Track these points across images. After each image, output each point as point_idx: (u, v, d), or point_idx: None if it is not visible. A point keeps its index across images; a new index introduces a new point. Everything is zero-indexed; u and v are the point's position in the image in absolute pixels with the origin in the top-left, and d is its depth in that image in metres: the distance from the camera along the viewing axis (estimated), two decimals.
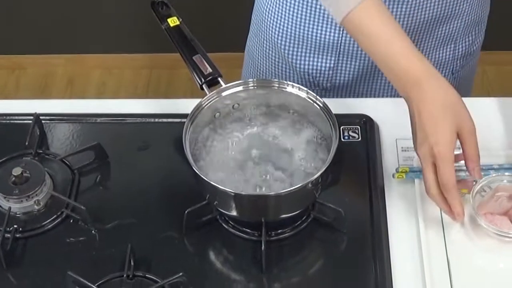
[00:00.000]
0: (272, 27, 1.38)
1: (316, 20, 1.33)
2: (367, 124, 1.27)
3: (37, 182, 1.16)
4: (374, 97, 1.41)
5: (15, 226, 1.15)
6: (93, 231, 1.15)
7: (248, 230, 1.14)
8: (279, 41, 1.38)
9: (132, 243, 1.10)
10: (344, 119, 1.25)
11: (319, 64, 1.38)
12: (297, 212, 1.11)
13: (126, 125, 1.31)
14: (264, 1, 1.39)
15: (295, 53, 1.38)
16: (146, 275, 1.08)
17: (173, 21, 1.20)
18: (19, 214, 1.16)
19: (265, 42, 1.41)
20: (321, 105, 1.13)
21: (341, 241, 1.13)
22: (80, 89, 2.83)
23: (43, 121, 1.29)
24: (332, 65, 1.37)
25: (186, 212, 1.12)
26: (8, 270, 1.11)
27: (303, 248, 1.14)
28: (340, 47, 1.35)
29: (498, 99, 1.33)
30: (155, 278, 1.08)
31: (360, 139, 1.25)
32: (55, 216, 1.16)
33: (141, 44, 2.85)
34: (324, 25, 1.33)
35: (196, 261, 1.12)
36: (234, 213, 1.10)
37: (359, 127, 1.26)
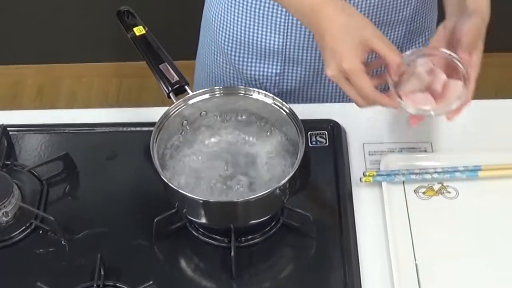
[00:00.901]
0: (219, 34, 1.39)
1: (260, 26, 1.33)
2: (334, 129, 1.28)
3: (5, 194, 1.16)
4: (321, 102, 1.42)
5: None
6: (62, 242, 1.15)
7: (218, 237, 1.14)
8: (226, 47, 1.39)
9: (102, 252, 1.10)
10: (311, 125, 1.26)
11: (265, 70, 1.39)
12: (266, 218, 1.12)
13: (95, 135, 1.30)
14: (211, 8, 1.40)
15: (241, 59, 1.39)
16: (117, 284, 1.08)
17: (139, 30, 1.21)
18: None
19: (213, 48, 1.42)
20: (287, 111, 1.14)
21: (310, 246, 1.14)
22: (50, 99, 2.81)
23: (10, 132, 1.28)
24: (278, 71, 1.38)
25: (155, 220, 1.12)
26: None
27: (272, 254, 1.14)
28: (285, 53, 1.36)
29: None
30: (125, 287, 1.08)
31: (327, 144, 1.26)
32: (24, 227, 1.16)
33: (110, 53, 2.84)
34: (268, 32, 1.33)
35: (166, 269, 1.13)
36: (203, 220, 1.11)
37: (326, 132, 1.27)
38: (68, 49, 2.83)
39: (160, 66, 1.17)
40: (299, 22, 1.31)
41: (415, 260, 1.11)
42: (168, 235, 1.15)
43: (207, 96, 1.16)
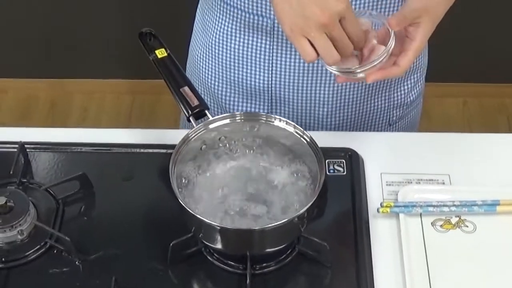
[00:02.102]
0: (205, 72, 1.39)
1: (245, 65, 1.33)
2: (352, 158, 1.27)
3: (21, 212, 1.16)
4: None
5: None
6: (77, 262, 1.14)
7: (233, 263, 1.13)
8: (212, 86, 1.39)
9: (116, 275, 1.10)
10: (329, 153, 1.25)
11: (252, 109, 1.38)
12: (282, 246, 1.11)
13: (111, 155, 1.30)
14: (196, 46, 1.39)
15: (228, 98, 1.39)
16: None
17: (160, 53, 1.21)
18: (1, 244, 1.15)
19: (199, 87, 1.41)
20: (308, 139, 1.13)
21: (326, 275, 1.13)
22: (62, 114, 2.82)
23: (27, 150, 1.28)
24: (266, 110, 1.38)
25: (171, 244, 1.12)
26: None
27: (287, 282, 1.14)
28: (271, 93, 1.35)
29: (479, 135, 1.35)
30: None
31: (345, 172, 1.25)
32: (38, 246, 1.15)
33: (122, 70, 2.85)
34: (253, 71, 1.33)
35: None
36: (219, 246, 1.10)
37: (344, 161, 1.27)
38: (81, 64, 2.84)
39: (181, 89, 1.17)
40: (283, 61, 1.31)
41: None
42: (183, 260, 1.14)
43: (227, 121, 1.16)
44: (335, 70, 1.10)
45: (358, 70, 1.09)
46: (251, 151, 1.19)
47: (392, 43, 1.09)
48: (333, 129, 1.39)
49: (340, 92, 1.35)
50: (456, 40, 2.56)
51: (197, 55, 1.40)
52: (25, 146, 1.28)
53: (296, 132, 1.15)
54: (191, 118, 1.16)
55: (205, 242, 1.12)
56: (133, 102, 2.86)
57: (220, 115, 1.16)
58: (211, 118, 1.16)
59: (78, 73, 2.86)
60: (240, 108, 1.39)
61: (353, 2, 1.22)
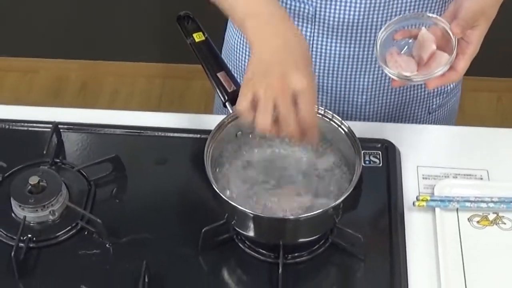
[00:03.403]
0: (242, 61, 1.37)
1: None
2: (388, 150, 1.25)
3: (53, 192, 1.15)
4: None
5: (29, 235, 1.13)
6: (107, 245, 1.14)
7: (265, 252, 1.12)
8: None
9: (147, 259, 1.09)
10: (365, 144, 1.23)
11: None
12: (316, 236, 1.10)
13: (144, 138, 1.29)
14: (233, 34, 1.38)
15: None
16: None
17: (198, 36, 1.19)
18: (33, 223, 1.15)
19: (236, 74, 1.36)
20: (346, 130, 1.12)
21: (358, 268, 1.12)
22: (92, 96, 2.82)
23: (61, 130, 1.28)
24: None
25: (203, 230, 1.10)
26: (20, 280, 1.10)
27: (319, 273, 1.12)
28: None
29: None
30: None
31: (381, 164, 1.24)
32: (69, 227, 1.15)
33: (154, 53, 2.84)
34: None
35: (210, 280, 1.11)
36: (251, 234, 1.09)
37: (380, 152, 1.25)
38: (113, 46, 2.84)
39: (218, 74, 1.15)
40: (324, 48, 1.29)
41: None
42: (214, 246, 1.13)
43: None
44: (394, 76, 1.08)
45: (419, 79, 1.08)
46: (287, 139, 1.17)
47: (455, 52, 1.06)
48: (371, 117, 1.38)
49: (380, 80, 1.33)
50: (492, 35, 2.52)
51: (234, 43, 1.39)
52: (59, 126, 1.27)
53: (334, 122, 1.13)
54: (227, 104, 1.14)
55: (237, 229, 1.11)
56: (163, 86, 2.85)
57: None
58: None
59: (109, 55, 2.85)
60: None
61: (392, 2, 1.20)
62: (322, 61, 1.31)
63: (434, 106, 1.41)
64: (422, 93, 1.38)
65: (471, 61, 1.09)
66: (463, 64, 1.08)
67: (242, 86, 1.02)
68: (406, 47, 1.11)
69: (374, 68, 1.30)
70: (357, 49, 1.28)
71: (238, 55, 1.38)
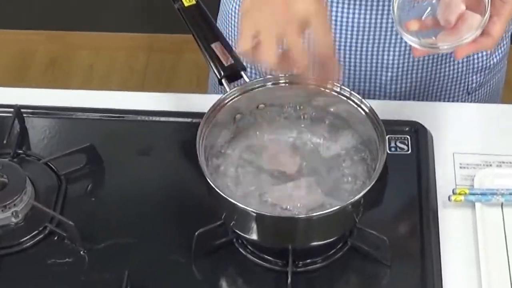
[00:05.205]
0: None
1: None
2: (418, 134, 1.26)
3: (16, 190, 1.16)
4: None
5: None
6: (82, 252, 1.14)
7: (270, 258, 1.13)
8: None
9: (130, 268, 1.10)
10: (391, 127, 1.23)
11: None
12: (332, 239, 1.11)
13: (124, 124, 1.30)
14: (229, 1, 1.38)
15: None
16: None
17: (188, 0, 1.19)
18: None
19: (233, 45, 1.40)
20: (367, 110, 1.12)
21: (384, 276, 1.12)
22: (63, 73, 2.83)
23: (24, 115, 1.28)
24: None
25: (196, 233, 1.11)
26: None
27: (336, 282, 1.13)
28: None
29: None
30: None
31: (409, 151, 1.24)
32: (36, 231, 1.16)
33: (137, 22, 2.85)
34: None
35: None
36: (255, 237, 1.09)
37: (408, 137, 1.26)
38: (88, 15, 2.84)
39: (212, 45, 1.15)
40: (340, 16, 1.30)
41: None
42: (210, 252, 1.14)
43: (268, 85, 1.15)
44: (415, 43, 1.08)
45: (446, 46, 1.07)
46: (296, 122, 1.18)
47: (488, 12, 1.05)
48: (397, 98, 1.38)
49: (409, 54, 1.33)
50: None
51: (231, 8, 1.40)
52: (22, 110, 1.28)
53: (352, 100, 1.13)
54: (223, 81, 1.14)
55: (237, 231, 1.11)
56: (147, 61, 2.86)
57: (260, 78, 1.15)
58: (248, 81, 1.15)
59: (83, 24, 2.86)
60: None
61: None
62: (338, 31, 1.32)
63: (474, 85, 1.41)
64: (459, 69, 1.38)
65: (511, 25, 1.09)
66: (499, 27, 1.07)
67: (240, 21, 1.03)
68: (429, 8, 1.10)
69: (401, 39, 1.30)
70: (379, 17, 1.29)
71: (236, 22, 1.39)
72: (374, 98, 1.38)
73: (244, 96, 1.15)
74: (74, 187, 1.22)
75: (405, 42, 1.27)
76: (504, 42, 1.41)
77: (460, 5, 1.07)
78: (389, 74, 1.35)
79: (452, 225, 1.17)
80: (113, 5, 2.81)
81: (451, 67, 1.37)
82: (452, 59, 1.35)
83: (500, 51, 1.41)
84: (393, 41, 1.31)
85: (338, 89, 1.13)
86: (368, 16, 1.29)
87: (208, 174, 1.07)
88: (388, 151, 1.23)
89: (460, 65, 1.37)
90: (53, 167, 1.22)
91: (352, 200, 1.04)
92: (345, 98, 1.13)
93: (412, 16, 1.09)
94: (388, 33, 1.30)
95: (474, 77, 1.40)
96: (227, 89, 1.14)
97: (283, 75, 1.15)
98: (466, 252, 1.14)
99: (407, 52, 1.33)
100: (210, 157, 1.14)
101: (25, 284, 1.12)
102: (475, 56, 1.38)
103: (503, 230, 1.15)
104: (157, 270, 1.13)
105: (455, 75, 1.39)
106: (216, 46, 1.16)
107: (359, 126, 1.14)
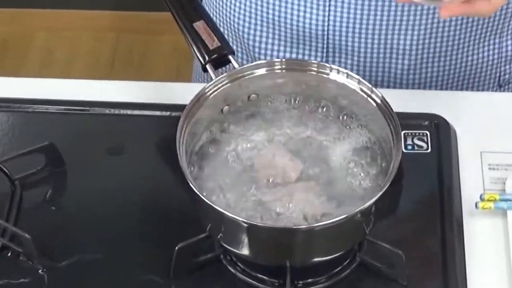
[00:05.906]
0: (230, 8, 1.39)
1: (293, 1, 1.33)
2: (440, 129, 1.27)
3: None
4: None
5: None
6: (40, 271, 1.15)
7: (265, 277, 1.14)
8: (240, 27, 1.40)
9: None
10: (407, 121, 1.24)
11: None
12: (338, 254, 1.11)
13: (90, 118, 1.31)
14: None
15: (263, 44, 1.40)
16: None
17: None
18: None
19: (221, 27, 1.42)
20: (379, 100, 1.12)
21: None
22: (17, 58, 2.84)
23: None
24: (318, 60, 1.38)
25: (176, 248, 1.11)
26: None
27: None
28: (327, 38, 1.36)
29: None
30: None
31: (429, 150, 1.25)
32: None
33: None
34: (302, 7, 1.33)
35: None
36: (246, 252, 1.10)
37: (428, 133, 1.27)
38: None
39: (194, 25, 1.16)
40: None
41: None
42: (193, 270, 1.14)
43: (262, 71, 1.15)
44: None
45: None
46: (295, 115, 1.19)
47: None
48: (415, 88, 1.38)
49: (428, 38, 1.34)
50: None
51: None
52: None
53: (361, 89, 1.13)
54: (208, 67, 1.15)
55: (225, 245, 1.11)
56: (117, 44, 2.87)
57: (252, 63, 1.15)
58: (237, 67, 1.15)
59: (40, 1, 2.86)
60: (279, 57, 1.39)
61: None
62: (345, 12, 1.33)
63: (507, 76, 1.42)
64: (489, 57, 1.39)
65: None
66: None
67: None
68: None
69: (419, 21, 1.31)
70: None
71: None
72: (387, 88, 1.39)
73: (233, 85, 1.15)
74: (31, 194, 1.22)
75: (425, 25, 1.28)
76: None
77: None
78: (405, 62, 1.36)
79: (480, 237, 1.18)
80: None
81: (479, 55, 1.38)
82: (480, 45, 1.36)
83: None
84: (410, 24, 1.32)
85: (344, 76, 1.14)
86: None
87: (190, 178, 1.07)
88: (404, 150, 1.24)
89: (491, 52, 1.39)
90: (5, 170, 1.23)
91: (361, 207, 1.04)
92: (353, 87, 1.14)
93: None
94: (405, 13, 1.31)
95: (507, 67, 1.42)
96: (213, 76, 1.14)
97: (279, 60, 1.15)
98: (496, 269, 1.15)
99: (426, 36, 1.33)
100: (193, 157, 1.15)
101: None
102: (508, 43, 1.39)
103: None
104: None
105: (484, 64, 1.40)
106: (199, 26, 1.16)
107: (370, 120, 1.15)
